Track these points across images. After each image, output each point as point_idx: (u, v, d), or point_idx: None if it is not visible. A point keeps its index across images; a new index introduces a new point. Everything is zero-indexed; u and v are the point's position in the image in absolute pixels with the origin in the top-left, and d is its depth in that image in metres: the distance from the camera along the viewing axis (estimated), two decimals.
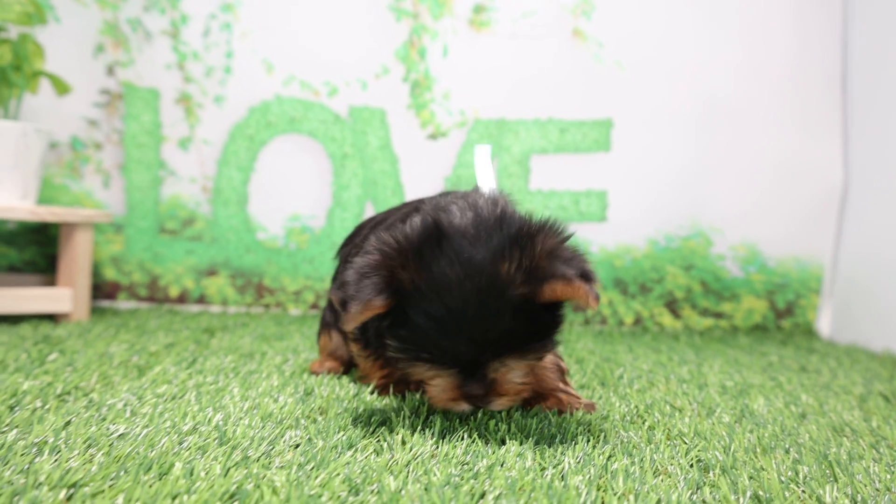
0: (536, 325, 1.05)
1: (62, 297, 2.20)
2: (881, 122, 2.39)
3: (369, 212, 2.59)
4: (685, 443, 1.06)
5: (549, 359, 1.27)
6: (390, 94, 2.61)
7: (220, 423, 1.07)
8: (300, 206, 2.62)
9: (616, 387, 1.46)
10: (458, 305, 1.00)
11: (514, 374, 1.09)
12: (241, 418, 1.10)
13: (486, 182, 1.43)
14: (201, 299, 2.62)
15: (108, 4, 2.56)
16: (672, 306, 2.59)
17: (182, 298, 2.62)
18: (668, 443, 1.06)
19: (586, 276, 1.00)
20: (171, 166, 2.62)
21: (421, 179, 2.59)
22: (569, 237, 1.10)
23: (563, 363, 1.32)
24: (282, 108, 2.60)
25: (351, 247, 1.51)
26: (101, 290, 2.61)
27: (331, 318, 1.56)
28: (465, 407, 1.10)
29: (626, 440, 1.06)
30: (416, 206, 1.30)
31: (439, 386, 1.09)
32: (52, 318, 2.21)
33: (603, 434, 1.08)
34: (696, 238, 2.57)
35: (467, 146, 2.59)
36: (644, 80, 2.57)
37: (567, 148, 2.59)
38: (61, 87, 2.40)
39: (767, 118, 2.56)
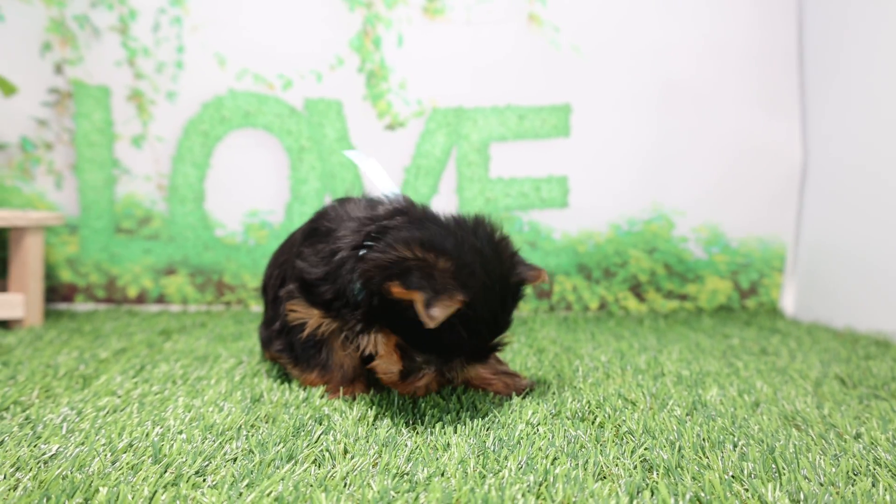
0: None
1: (14, 302, 2.15)
2: (837, 100, 2.39)
3: None
4: (632, 440, 1.05)
5: None
6: (346, 85, 2.57)
7: (158, 438, 1.04)
8: (258, 201, 2.58)
9: (571, 380, 1.44)
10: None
11: None
12: (180, 432, 1.07)
13: (386, 185, 1.41)
14: (161, 299, 2.58)
15: (54, 1, 2.49)
16: (636, 290, 2.58)
17: (141, 298, 2.57)
18: (616, 441, 1.05)
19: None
20: (124, 165, 2.56)
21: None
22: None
23: None
24: (236, 102, 2.56)
25: (271, 269, 1.54)
26: (58, 292, 2.56)
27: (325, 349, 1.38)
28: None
29: (573, 440, 1.04)
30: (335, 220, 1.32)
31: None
32: (4, 324, 2.16)
33: (550, 434, 1.07)
34: (659, 221, 2.56)
35: (426, 136, 2.56)
36: (603, 64, 2.55)
37: (526, 134, 2.57)
38: (7, 88, 2.34)
39: (728, 100, 2.55)
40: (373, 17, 2.55)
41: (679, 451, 0.99)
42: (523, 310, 2.58)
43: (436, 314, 1.01)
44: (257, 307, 2.56)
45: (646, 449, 1.00)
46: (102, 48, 2.54)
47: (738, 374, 1.51)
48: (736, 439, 1.05)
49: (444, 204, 2.55)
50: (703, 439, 1.05)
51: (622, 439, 1.06)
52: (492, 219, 1.23)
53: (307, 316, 1.27)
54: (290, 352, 1.35)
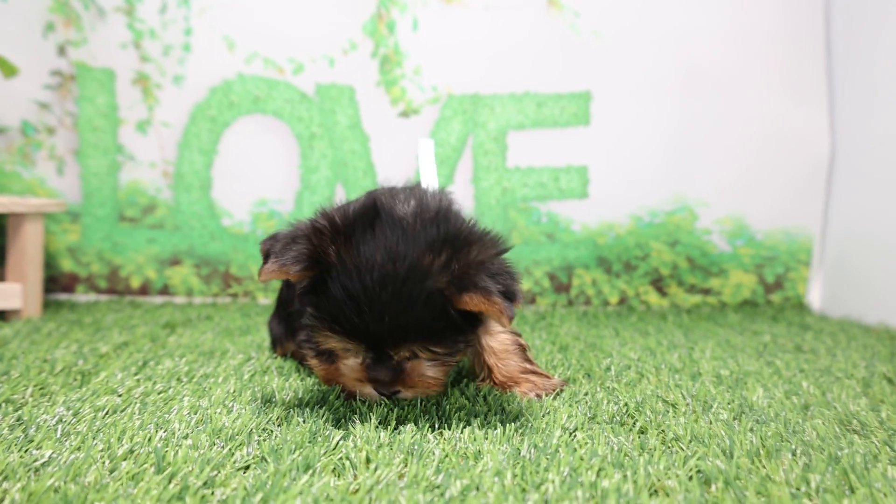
0: (448, 325, 1.04)
1: (11, 292, 2.06)
2: (866, 85, 2.29)
3: (339, 194, 2.46)
4: (682, 448, 0.96)
5: (507, 338, 1.29)
6: (359, 70, 2.47)
7: (161, 443, 0.95)
8: (267, 189, 2.49)
9: (603, 380, 1.35)
10: (374, 285, 1.01)
11: (423, 367, 1.11)
12: (186, 436, 0.98)
13: (429, 178, 1.37)
14: (164, 290, 2.49)
15: None
16: (658, 284, 2.48)
17: (144, 290, 2.49)
18: (664, 449, 0.95)
19: (509, 295, 1.00)
20: (129, 150, 2.47)
21: (393, 159, 2.47)
22: (504, 251, 1.10)
23: (521, 339, 1.32)
24: (245, 87, 2.46)
25: None
26: (58, 282, 2.48)
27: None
28: (370, 391, 1.13)
29: (616, 448, 0.95)
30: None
31: (348, 366, 1.12)
32: (0, 315, 2.08)
33: (590, 441, 0.97)
34: (681, 213, 2.47)
35: (441, 123, 2.47)
36: (623, 50, 2.45)
37: (545, 122, 2.47)
38: (8, 69, 2.25)
39: (752, 86, 2.45)
40: (387, 0, 2.46)
41: (735, 461, 0.90)
42: (540, 304, 2.49)
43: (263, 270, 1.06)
44: (265, 300, 2.48)
45: (698, 459, 0.90)
46: (107, 29, 2.45)
47: (779, 373, 1.41)
48: (793, 447, 0.95)
49: (460, 195, 2.45)
50: (758, 447, 0.96)
51: (669, 447, 0.97)
52: (480, 232, 1.10)
53: None
54: (314, 343, 1.26)
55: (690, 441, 0.98)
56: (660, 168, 2.47)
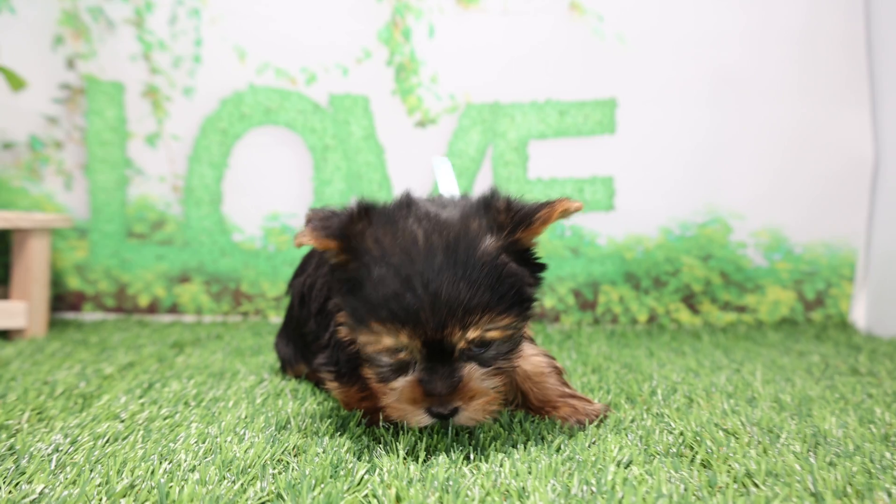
0: (511, 288, 0.96)
1: (16, 311, 1.97)
2: None
3: None
4: (758, 487, 0.84)
5: (541, 360, 1.18)
6: (374, 79, 2.38)
7: (165, 477, 0.84)
8: (279, 204, 2.39)
9: (649, 405, 1.23)
10: (425, 256, 0.93)
11: (480, 376, 0.97)
12: (192, 469, 0.88)
13: (449, 190, 1.31)
14: (174, 308, 2.39)
15: None
16: (690, 301, 2.37)
17: (153, 308, 2.39)
18: (737, 488, 0.84)
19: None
20: (138, 165, 2.39)
21: (409, 171, 2.37)
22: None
23: (556, 362, 1.21)
24: (256, 98, 2.38)
25: (305, 277, 1.37)
26: (65, 300, 2.38)
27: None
28: (422, 416, 0.97)
29: (681, 486, 0.83)
30: None
31: (398, 387, 0.98)
32: (4, 334, 1.99)
33: (650, 478, 0.86)
34: (714, 225, 2.35)
35: (459, 133, 2.37)
36: (650, 54, 2.35)
37: (568, 132, 2.37)
38: (16, 83, 2.18)
39: (788, 90, 2.33)
40: (402, 6, 2.37)
41: (824, 503, 0.78)
42: (565, 322, 2.38)
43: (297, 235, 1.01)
44: (277, 318, 2.37)
45: (782, 501, 0.79)
46: (117, 42, 2.37)
47: (845, 399, 1.29)
48: (887, 485, 0.83)
49: None
50: (844, 484, 0.84)
51: (744, 486, 0.85)
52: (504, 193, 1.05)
53: None
54: (333, 366, 1.15)
55: (766, 478, 0.86)
56: (690, 178, 2.36)
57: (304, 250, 1.46)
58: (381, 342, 0.95)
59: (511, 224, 0.98)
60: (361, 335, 0.98)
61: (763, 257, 2.35)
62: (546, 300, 2.37)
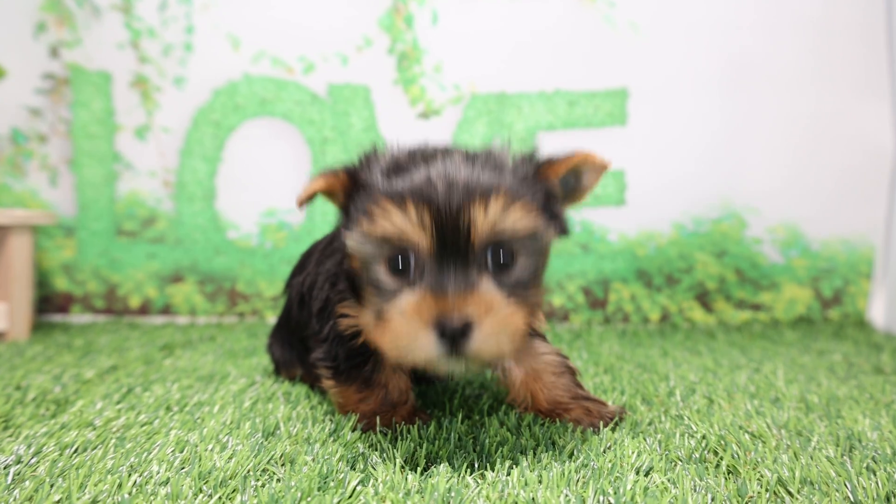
0: (538, 188, 0.91)
1: None
2: None
3: None
4: (793, 496, 0.75)
5: (553, 359, 1.09)
6: (374, 68, 2.29)
7: (133, 491, 0.75)
8: (276, 199, 2.30)
9: (667, 407, 1.14)
10: (441, 162, 0.87)
11: (498, 295, 0.84)
12: (166, 481, 0.79)
13: None
14: (166, 310, 2.30)
15: None
16: (703, 299, 2.27)
17: (144, 309, 2.30)
18: (771, 499, 0.74)
19: None
20: (127, 159, 2.30)
21: None
22: None
23: (570, 362, 1.12)
24: (251, 88, 2.29)
25: (304, 275, 1.25)
26: (52, 302, 2.30)
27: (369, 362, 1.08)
28: (430, 339, 0.81)
29: (709, 495, 0.74)
30: None
31: (401, 306, 0.84)
32: None
33: (673, 486, 0.77)
34: (729, 220, 2.25)
35: (464, 125, 2.28)
36: (663, 43, 2.26)
37: (577, 123, 2.28)
38: None
39: (804, 80, 2.24)
40: None
41: None
42: (574, 321, 2.28)
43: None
44: (274, 318, 2.28)
45: None
46: (103, 29, 2.29)
47: (875, 399, 1.20)
48: None
49: None
50: (888, 492, 0.75)
51: (776, 495, 0.76)
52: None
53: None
54: (331, 361, 1.05)
55: (800, 485, 0.77)
56: (705, 172, 2.26)
57: (304, 248, 1.37)
58: (386, 222, 0.86)
59: (535, 157, 0.95)
60: (364, 224, 0.88)
61: (779, 253, 2.25)
62: (555, 298, 2.28)
